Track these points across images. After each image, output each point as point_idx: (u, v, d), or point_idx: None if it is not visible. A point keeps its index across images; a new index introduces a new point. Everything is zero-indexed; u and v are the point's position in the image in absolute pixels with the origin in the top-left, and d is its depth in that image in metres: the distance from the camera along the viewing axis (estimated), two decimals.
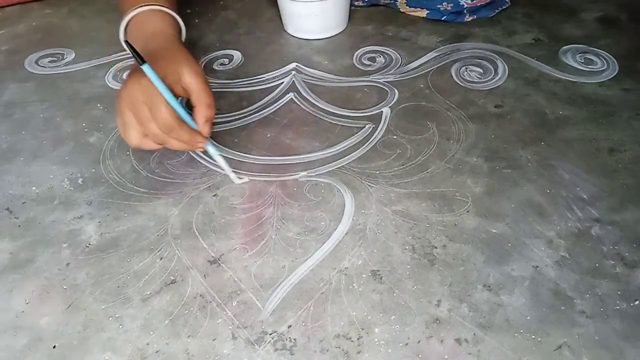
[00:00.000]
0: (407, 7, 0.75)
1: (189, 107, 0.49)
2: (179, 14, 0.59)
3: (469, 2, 0.71)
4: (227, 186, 0.51)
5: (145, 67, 0.44)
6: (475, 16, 0.73)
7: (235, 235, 0.47)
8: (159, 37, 0.53)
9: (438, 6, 0.72)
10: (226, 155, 0.54)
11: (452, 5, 0.71)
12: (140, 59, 0.43)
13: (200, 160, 0.54)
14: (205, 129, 0.48)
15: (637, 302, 0.40)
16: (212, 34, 0.75)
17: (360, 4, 0.77)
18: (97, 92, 0.64)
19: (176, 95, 0.46)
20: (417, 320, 0.40)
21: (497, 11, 0.74)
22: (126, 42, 0.44)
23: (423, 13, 0.74)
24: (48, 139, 0.58)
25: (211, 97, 0.48)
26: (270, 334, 0.40)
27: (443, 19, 0.73)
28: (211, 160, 0.54)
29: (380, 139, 0.56)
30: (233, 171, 0.52)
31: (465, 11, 0.72)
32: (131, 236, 0.47)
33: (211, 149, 0.50)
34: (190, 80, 0.47)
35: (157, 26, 0.55)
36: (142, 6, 0.55)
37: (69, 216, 0.49)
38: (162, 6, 0.56)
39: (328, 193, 0.50)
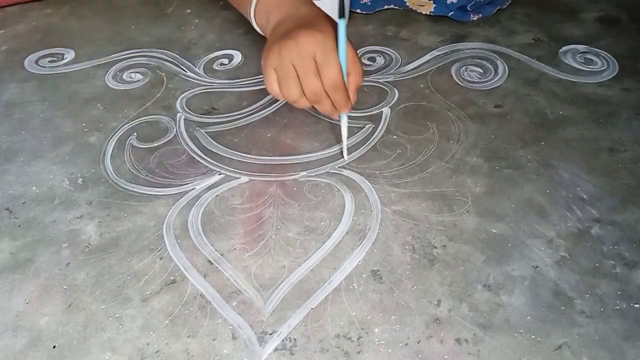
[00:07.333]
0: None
1: None
2: None
3: None
4: (227, 186, 0.51)
5: (341, 22, 0.45)
6: (480, 14, 0.73)
7: (235, 235, 0.47)
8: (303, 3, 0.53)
9: None
10: (229, 156, 0.54)
11: None
12: (341, 11, 0.45)
13: (201, 161, 0.54)
14: (354, 97, 0.50)
15: (637, 305, 0.40)
16: (212, 34, 0.75)
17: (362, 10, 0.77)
18: (97, 92, 0.64)
19: None
20: (417, 320, 0.40)
21: (498, 8, 0.74)
22: None
23: (430, 7, 0.73)
24: (48, 139, 0.58)
25: (362, 66, 0.49)
26: (270, 334, 0.40)
27: (450, 15, 0.72)
28: (209, 161, 0.54)
29: (380, 139, 0.56)
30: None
31: (469, 7, 0.72)
32: (131, 236, 0.47)
33: (345, 117, 0.52)
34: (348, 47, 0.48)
35: None
36: None
37: (69, 216, 0.49)
38: None
39: (328, 193, 0.50)
